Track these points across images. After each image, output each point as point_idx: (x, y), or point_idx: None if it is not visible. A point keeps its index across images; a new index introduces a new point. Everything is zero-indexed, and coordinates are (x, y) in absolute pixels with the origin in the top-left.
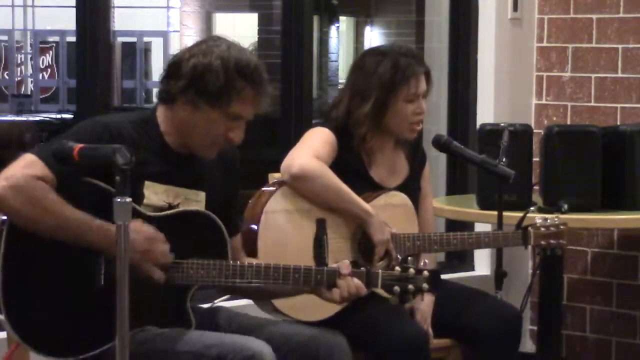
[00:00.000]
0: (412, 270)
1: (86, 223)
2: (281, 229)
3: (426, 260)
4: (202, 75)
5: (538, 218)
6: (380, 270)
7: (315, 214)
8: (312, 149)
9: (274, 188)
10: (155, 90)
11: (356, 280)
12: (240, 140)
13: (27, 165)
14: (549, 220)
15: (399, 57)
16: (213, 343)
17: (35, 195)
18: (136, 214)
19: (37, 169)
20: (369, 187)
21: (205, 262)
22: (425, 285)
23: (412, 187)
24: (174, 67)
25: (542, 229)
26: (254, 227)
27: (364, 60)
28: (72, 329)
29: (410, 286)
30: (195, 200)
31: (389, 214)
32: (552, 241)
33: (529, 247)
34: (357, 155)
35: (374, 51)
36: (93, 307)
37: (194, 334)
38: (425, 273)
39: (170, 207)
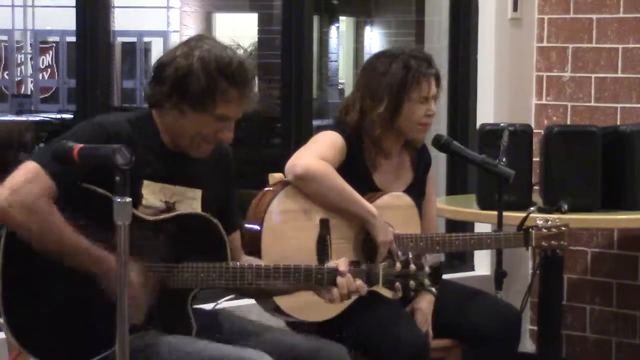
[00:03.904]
0: (413, 267)
1: (85, 250)
2: (284, 229)
3: (427, 255)
4: (183, 79)
5: (539, 219)
6: (381, 267)
7: (319, 215)
8: (318, 151)
9: (277, 188)
10: None
11: (358, 281)
12: (230, 139)
13: (32, 179)
14: (550, 222)
15: (410, 59)
16: (219, 355)
17: (41, 216)
18: (135, 218)
19: (43, 183)
20: (371, 192)
21: (205, 265)
22: (427, 281)
23: (415, 192)
24: (158, 71)
25: (544, 230)
26: (257, 227)
27: (374, 62)
28: (73, 335)
29: (412, 282)
30: (192, 198)
31: (392, 214)
32: (553, 242)
33: (530, 247)
34: (363, 161)
35: (385, 53)
36: (93, 312)
37: (198, 344)
38: (427, 269)
39: (168, 206)
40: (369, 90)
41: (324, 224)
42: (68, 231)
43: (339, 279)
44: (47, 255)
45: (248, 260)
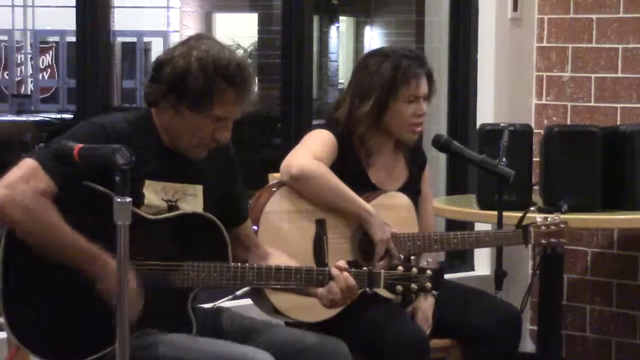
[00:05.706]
0: (414, 270)
1: (80, 249)
2: (281, 230)
3: (429, 259)
4: (181, 79)
5: (538, 217)
6: (382, 270)
7: (315, 215)
8: (312, 150)
9: (273, 189)
10: None
11: (350, 279)
12: (227, 139)
13: (30, 177)
14: (549, 219)
15: (401, 59)
16: (219, 353)
17: (38, 213)
18: (137, 218)
19: (40, 181)
20: (367, 190)
21: (206, 264)
22: (428, 284)
23: (411, 191)
24: (156, 69)
25: (543, 227)
26: (254, 227)
27: (366, 61)
28: (73, 333)
29: (414, 285)
30: (193, 195)
31: (389, 214)
32: (552, 240)
33: (529, 246)
34: (356, 158)
35: (377, 52)
36: (93, 310)
37: (199, 342)
38: (429, 272)
39: (169, 204)
40: (359, 88)
41: (321, 224)
42: (65, 230)
43: (335, 273)
44: (44, 253)
45: (274, 254)
